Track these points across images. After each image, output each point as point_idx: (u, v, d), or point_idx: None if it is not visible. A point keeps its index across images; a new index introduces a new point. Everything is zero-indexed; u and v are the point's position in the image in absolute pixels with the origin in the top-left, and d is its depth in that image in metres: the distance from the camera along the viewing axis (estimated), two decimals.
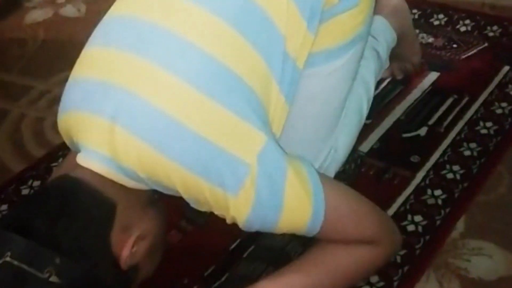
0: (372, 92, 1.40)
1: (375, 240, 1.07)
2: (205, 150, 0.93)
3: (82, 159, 0.98)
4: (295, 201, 0.97)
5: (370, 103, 1.39)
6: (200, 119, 0.93)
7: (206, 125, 0.93)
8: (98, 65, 1.00)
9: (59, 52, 2.01)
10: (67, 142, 1.09)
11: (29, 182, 1.50)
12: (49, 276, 0.87)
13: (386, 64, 1.52)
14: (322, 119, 1.21)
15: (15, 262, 0.86)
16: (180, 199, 1.06)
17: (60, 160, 1.54)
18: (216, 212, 0.99)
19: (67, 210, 0.93)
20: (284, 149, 1.03)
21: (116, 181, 0.97)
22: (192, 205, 1.00)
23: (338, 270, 1.07)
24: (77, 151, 1.02)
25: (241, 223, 0.98)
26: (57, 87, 1.84)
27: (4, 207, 1.44)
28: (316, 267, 1.07)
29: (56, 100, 1.79)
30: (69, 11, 2.23)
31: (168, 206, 1.36)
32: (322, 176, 1.02)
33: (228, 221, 0.99)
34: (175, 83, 0.93)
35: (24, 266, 0.86)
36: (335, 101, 1.21)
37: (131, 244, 0.97)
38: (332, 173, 1.27)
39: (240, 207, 0.95)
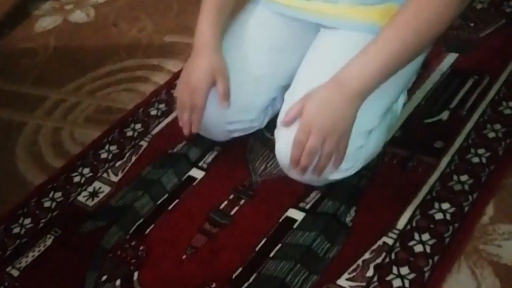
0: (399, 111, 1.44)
1: None
2: None
3: None
4: None
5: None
6: None
7: None
8: None
9: (72, 59, 2.01)
10: None
11: (50, 194, 1.50)
12: None
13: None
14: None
15: None
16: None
17: (80, 169, 1.54)
18: None
19: None
20: None
21: None
22: None
23: (416, 23, 1.12)
24: None
25: None
26: (72, 95, 1.84)
27: (28, 221, 1.44)
28: (394, 29, 1.14)
29: (71, 109, 1.79)
30: (78, 16, 2.23)
31: (191, 211, 1.36)
32: None
33: None
34: None
35: None
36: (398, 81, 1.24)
37: None
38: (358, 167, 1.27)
39: None
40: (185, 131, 1.36)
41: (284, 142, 1.22)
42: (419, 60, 1.34)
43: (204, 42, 1.33)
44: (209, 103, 1.34)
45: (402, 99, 1.41)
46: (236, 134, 1.47)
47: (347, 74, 1.14)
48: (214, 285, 1.21)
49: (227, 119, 1.40)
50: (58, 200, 1.48)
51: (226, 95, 1.32)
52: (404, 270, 1.16)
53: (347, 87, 1.13)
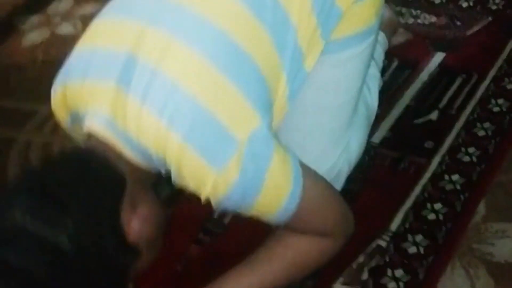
0: (376, 98, 1.39)
1: (333, 234, 1.10)
2: (199, 115, 0.92)
3: (88, 123, 0.99)
4: (274, 187, 0.97)
5: (375, 110, 1.38)
6: (201, 84, 0.94)
7: (206, 92, 0.93)
8: (108, 34, 1.01)
9: None
10: (66, 117, 1.08)
11: None
12: (61, 238, 0.86)
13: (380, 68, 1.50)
14: (335, 110, 1.19)
15: (27, 217, 0.85)
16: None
17: None
18: (192, 187, 0.98)
19: (81, 179, 0.93)
20: (294, 143, 1.07)
21: (121, 155, 0.97)
22: (173, 178, 0.99)
23: (295, 263, 1.10)
24: (76, 123, 1.03)
25: (216, 201, 0.97)
26: None
27: None
28: (272, 262, 1.10)
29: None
30: (65, 29, 2.22)
31: (185, 221, 1.36)
32: (304, 167, 1.03)
33: (203, 198, 0.97)
34: (185, 51, 0.95)
35: (38, 222, 0.85)
36: (348, 92, 1.19)
37: (140, 218, 0.97)
38: (344, 176, 1.24)
39: (220, 185, 0.94)
40: None
41: None
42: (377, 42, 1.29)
43: None
44: None
45: (376, 86, 1.39)
46: None
47: None
48: None
49: None
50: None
51: None
52: (399, 272, 1.16)
53: None
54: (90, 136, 1.00)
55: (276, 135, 1.02)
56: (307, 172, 1.03)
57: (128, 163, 0.98)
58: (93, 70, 0.99)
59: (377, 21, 1.18)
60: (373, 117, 1.36)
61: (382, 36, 1.49)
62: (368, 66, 1.23)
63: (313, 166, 1.11)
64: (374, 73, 1.37)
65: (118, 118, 0.95)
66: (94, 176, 0.94)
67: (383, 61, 1.52)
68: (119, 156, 0.97)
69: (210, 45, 0.96)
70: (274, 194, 0.98)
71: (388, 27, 1.55)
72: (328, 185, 1.14)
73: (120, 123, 0.95)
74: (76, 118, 1.05)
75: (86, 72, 1.00)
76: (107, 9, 1.06)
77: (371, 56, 1.24)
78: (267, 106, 0.99)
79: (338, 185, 1.23)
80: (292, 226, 1.05)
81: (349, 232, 1.13)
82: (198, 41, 0.96)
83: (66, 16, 2.29)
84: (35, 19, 2.30)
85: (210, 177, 0.93)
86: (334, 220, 1.10)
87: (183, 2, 0.99)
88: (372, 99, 1.36)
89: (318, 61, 1.10)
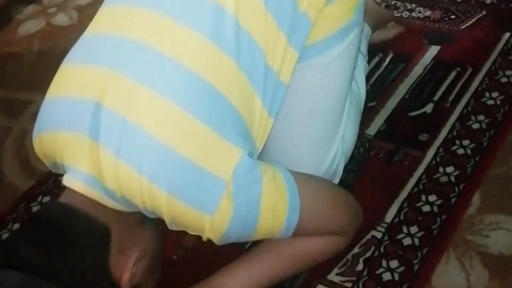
0: (363, 86, 1.38)
1: (342, 230, 1.11)
2: (179, 166, 0.91)
3: (67, 180, 0.97)
4: (271, 209, 0.98)
5: (364, 98, 1.38)
6: (177, 134, 0.91)
7: (183, 141, 0.91)
8: (76, 83, 0.98)
9: (56, 62, 1.97)
10: (48, 164, 1.07)
11: (39, 199, 1.49)
12: None
13: (366, 58, 1.50)
14: (327, 112, 1.18)
15: None
16: None
17: None
18: (190, 232, 0.99)
19: (62, 239, 0.91)
20: (290, 151, 1.06)
21: (103, 204, 0.96)
22: (169, 225, 0.99)
23: (303, 259, 1.12)
24: (59, 172, 1.02)
25: (218, 240, 0.97)
26: None
27: (17, 226, 1.43)
28: (280, 259, 1.11)
29: None
30: (61, 19, 2.22)
31: None
32: (297, 176, 1.02)
33: (204, 239, 0.98)
34: (153, 98, 0.92)
35: None
36: (338, 92, 1.18)
37: (131, 266, 0.97)
38: (341, 169, 1.25)
39: (217, 225, 0.94)
40: None
41: None
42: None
43: None
44: None
45: (362, 73, 1.38)
46: None
47: None
48: None
49: None
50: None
51: None
52: (394, 264, 1.17)
53: None
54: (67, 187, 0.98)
55: (260, 154, 1.03)
56: (302, 181, 1.03)
57: (111, 209, 0.97)
58: (63, 123, 0.97)
59: (357, 14, 1.15)
60: (362, 105, 1.36)
61: (365, 27, 1.48)
62: (355, 60, 1.21)
63: (310, 171, 1.12)
64: (359, 62, 1.35)
65: (96, 175, 0.94)
66: (77, 235, 0.92)
67: (378, 55, 1.53)
68: (101, 205, 0.96)
69: (177, 88, 0.93)
70: (273, 216, 0.99)
71: (370, 16, 1.53)
72: (327, 186, 1.14)
73: (100, 179, 0.94)
74: (56, 166, 1.04)
75: (57, 125, 0.98)
76: (74, 52, 1.03)
77: (358, 49, 1.21)
78: (244, 134, 0.98)
79: (337, 178, 1.24)
80: (299, 234, 1.05)
81: (358, 223, 1.15)
82: (164, 85, 0.93)
83: (62, 6, 2.29)
84: (31, 9, 2.30)
85: (206, 222, 0.93)
86: (340, 218, 1.11)
87: (149, 43, 0.95)
88: (359, 88, 1.36)
89: (302, 68, 1.08)
